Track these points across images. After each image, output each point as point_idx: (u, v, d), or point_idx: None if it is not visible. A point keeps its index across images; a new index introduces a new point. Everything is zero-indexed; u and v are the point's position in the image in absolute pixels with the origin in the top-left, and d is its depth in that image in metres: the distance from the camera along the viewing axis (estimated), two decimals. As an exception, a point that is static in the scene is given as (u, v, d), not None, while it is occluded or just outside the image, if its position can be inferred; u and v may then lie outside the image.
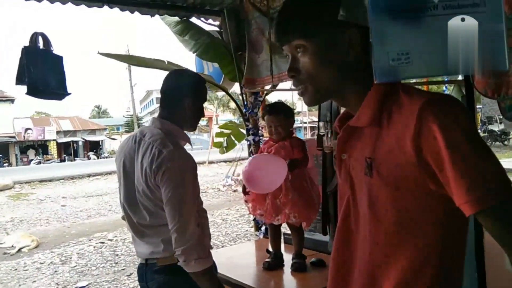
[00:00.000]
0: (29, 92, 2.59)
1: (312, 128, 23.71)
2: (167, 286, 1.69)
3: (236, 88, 3.85)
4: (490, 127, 16.46)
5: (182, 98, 1.74)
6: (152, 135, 1.70)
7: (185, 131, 1.82)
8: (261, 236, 3.40)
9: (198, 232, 1.61)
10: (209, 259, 1.63)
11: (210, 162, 19.36)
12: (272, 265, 2.40)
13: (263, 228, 3.39)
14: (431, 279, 0.91)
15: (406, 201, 0.91)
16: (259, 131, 3.68)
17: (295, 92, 1.06)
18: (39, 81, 2.62)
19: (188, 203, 1.63)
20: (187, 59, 4.58)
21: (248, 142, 3.65)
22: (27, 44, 2.63)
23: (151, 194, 1.65)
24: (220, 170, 17.30)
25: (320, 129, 2.50)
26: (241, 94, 3.58)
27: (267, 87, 3.34)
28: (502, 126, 16.24)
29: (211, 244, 1.83)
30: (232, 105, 43.65)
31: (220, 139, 4.20)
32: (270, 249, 2.53)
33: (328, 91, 1.00)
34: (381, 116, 0.93)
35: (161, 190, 1.61)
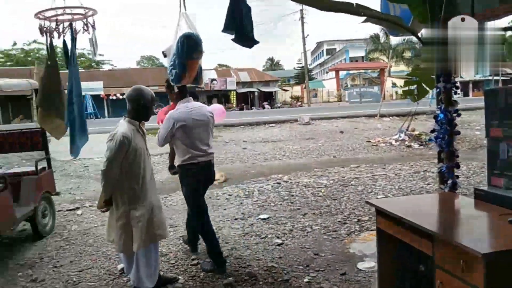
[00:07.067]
0: (236, 40, 2.89)
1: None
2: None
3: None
4: None
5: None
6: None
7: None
8: (447, 190, 3.21)
9: None
10: None
11: (381, 116, 18.68)
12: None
13: (449, 181, 3.20)
14: None
15: None
16: (451, 78, 3.37)
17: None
18: (246, 29, 2.87)
19: None
20: (372, 1, 4.38)
21: (438, 90, 3.39)
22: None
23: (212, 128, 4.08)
24: (392, 124, 16.59)
25: None
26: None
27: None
28: None
29: None
30: (407, 55, 40.48)
31: (407, 87, 3.98)
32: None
33: None
34: None
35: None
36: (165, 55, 4.15)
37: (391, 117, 18.54)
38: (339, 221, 5.32)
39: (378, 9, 4.35)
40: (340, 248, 4.46)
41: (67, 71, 4.85)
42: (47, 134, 5.45)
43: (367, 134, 14.35)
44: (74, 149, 4.79)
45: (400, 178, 7.64)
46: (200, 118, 3.93)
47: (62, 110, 4.85)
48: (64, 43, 4.63)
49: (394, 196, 6.42)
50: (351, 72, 48.63)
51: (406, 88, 3.95)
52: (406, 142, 12.10)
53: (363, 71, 47.47)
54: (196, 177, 3.95)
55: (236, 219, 5.64)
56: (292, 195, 6.75)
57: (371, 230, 4.84)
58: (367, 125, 16.90)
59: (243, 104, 39.61)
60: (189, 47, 3.73)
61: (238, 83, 40.04)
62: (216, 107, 5.18)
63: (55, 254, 4.72)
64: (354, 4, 3.40)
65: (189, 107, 3.92)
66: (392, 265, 2.82)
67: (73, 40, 4.58)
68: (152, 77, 34.20)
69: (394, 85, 39.22)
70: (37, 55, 44.28)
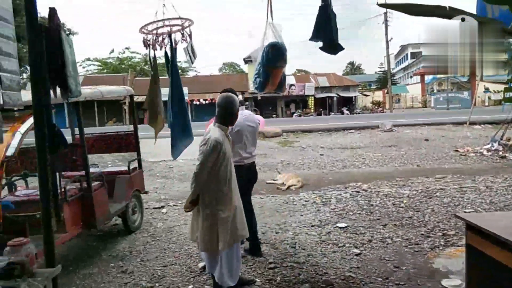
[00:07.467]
0: (324, 48, 2.91)
1: None
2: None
3: None
4: None
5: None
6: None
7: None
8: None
9: None
10: None
11: (472, 123, 17.36)
12: None
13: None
14: None
15: None
16: (558, 84, 3.05)
17: None
18: (334, 37, 2.89)
19: None
20: (468, 2, 4.12)
21: (540, 97, 3.09)
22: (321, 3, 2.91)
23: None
24: (483, 132, 15.35)
25: None
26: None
27: None
28: None
29: None
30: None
31: (507, 94, 3.68)
32: None
33: None
34: None
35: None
36: (246, 62, 4.36)
37: (482, 125, 17.16)
38: (422, 234, 5.06)
39: (474, 11, 4.09)
40: (423, 263, 4.25)
41: (166, 77, 5.17)
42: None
43: (455, 143, 13.43)
44: (175, 151, 5.09)
45: (492, 192, 7.05)
46: (252, 125, 4.53)
47: (162, 112, 5.21)
48: (166, 54, 4.96)
49: (485, 211, 5.95)
50: (438, 76, 45.82)
51: (506, 95, 3.65)
52: (500, 152, 11.11)
53: (451, 75, 44.48)
54: (242, 176, 4.32)
55: (313, 226, 5.62)
56: (372, 205, 6.54)
57: (458, 246, 4.55)
58: (455, 133, 15.82)
59: (321, 109, 39.22)
60: (274, 56, 3.89)
61: (316, 88, 39.73)
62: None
63: (142, 248, 5.08)
64: (447, 8, 3.22)
65: (244, 114, 4.43)
66: (481, 284, 2.63)
67: (173, 50, 4.88)
68: (233, 83, 35.25)
69: (486, 90, 36.22)
70: (129, 62, 47.94)
